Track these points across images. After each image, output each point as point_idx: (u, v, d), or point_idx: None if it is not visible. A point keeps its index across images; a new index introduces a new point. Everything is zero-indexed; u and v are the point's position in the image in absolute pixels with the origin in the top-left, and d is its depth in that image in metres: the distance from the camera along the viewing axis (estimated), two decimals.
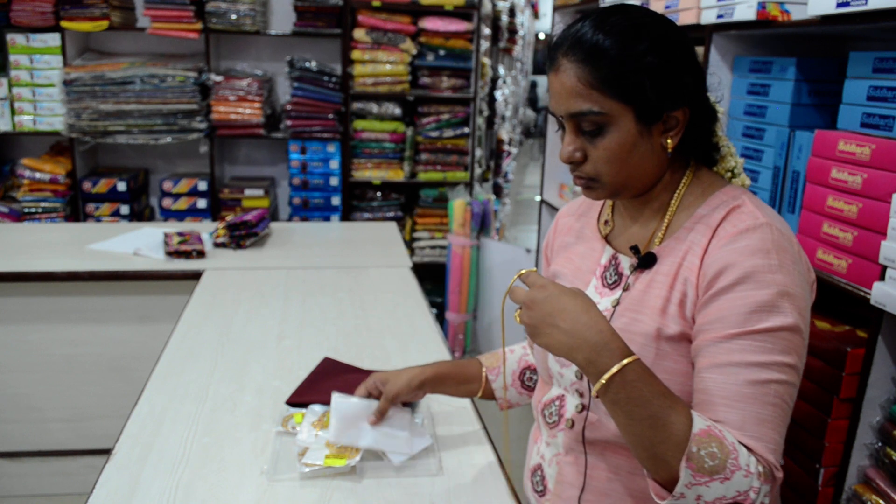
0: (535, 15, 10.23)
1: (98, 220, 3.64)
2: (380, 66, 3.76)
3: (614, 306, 1.04)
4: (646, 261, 1.02)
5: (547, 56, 1.01)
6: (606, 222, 1.14)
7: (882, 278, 1.29)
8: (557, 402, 1.10)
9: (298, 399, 1.44)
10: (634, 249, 1.03)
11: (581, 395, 1.06)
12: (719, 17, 1.77)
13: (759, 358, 0.88)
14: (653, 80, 0.94)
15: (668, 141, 0.98)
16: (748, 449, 0.86)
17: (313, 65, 3.70)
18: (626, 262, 1.06)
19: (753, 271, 0.90)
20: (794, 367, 0.90)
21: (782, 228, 0.95)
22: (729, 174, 1.07)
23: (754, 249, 0.91)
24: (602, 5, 2.64)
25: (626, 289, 1.04)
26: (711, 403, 0.89)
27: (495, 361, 1.30)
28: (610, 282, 1.07)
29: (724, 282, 0.92)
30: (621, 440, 1.01)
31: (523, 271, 0.96)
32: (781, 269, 0.91)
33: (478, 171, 4.35)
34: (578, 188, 1.08)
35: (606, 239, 1.12)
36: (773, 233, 0.93)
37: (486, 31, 4.63)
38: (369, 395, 1.27)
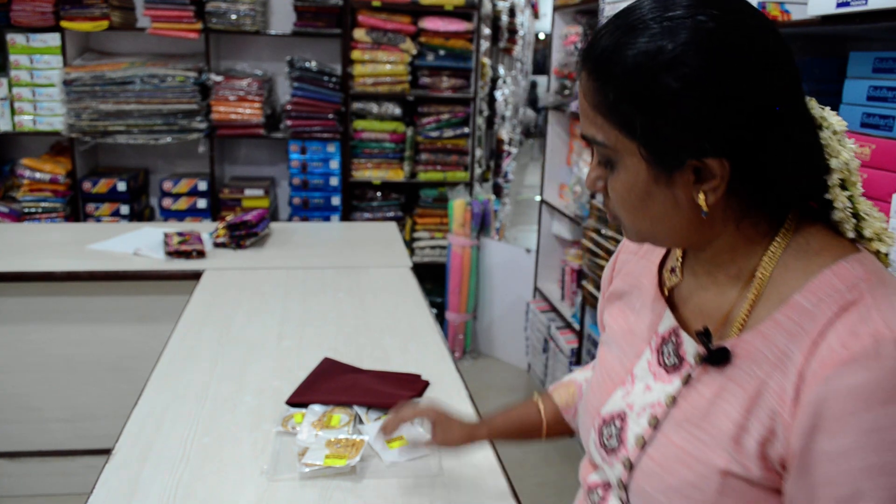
0: (535, 15, 10.23)
1: (98, 220, 3.65)
2: (380, 66, 3.76)
3: (669, 405, 0.78)
4: (715, 358, 0.75)
5: None
6: (673, 270, 0.86)
7: None
8: (601, 491, 0.88)
9: (298, 399, 1.44)
10: (704, 335, 0.76)
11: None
12: None
13: None
14: (664, 114, 0.67)
15: (701, 196, 0.71)
16: None
17: (313, 65, 3.70)
18: (690, 345, 0.79)
19: (864, 436, 0.62)
20: None
21: None
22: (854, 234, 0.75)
23: (867, 397, 0.62)
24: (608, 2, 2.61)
25: (686, 381, 0.78)
26: None
27: (569, 400, 1.11)
28: (668, 363, 0.81)
29: (823, 445, 0.64)
30: None
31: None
32: None
33: (478, 171, 4.35)
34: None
35: (670, 298, 0.85)
36: None
37: (486, 31, 4.63)
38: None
